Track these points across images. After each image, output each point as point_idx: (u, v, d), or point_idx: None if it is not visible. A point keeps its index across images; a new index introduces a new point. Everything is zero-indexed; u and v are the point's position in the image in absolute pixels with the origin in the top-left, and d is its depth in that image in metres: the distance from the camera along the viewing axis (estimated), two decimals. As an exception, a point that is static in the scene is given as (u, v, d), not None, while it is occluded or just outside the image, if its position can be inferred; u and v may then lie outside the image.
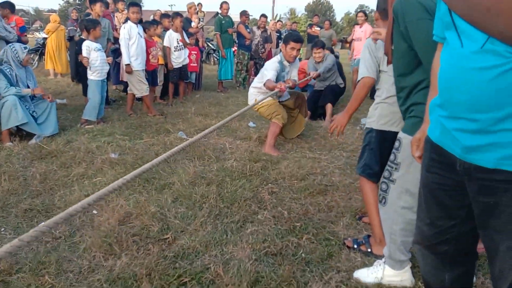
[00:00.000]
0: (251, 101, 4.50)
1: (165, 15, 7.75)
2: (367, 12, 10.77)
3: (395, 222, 1.99)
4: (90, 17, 5.80)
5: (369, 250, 2.41)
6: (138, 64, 5.67)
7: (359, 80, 2.45)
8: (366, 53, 2.38)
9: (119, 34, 6.15)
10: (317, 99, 6.11)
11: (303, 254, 2.35)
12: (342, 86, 6.35)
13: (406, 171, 1.92)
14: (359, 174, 2.50)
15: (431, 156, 1.41)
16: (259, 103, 4.26)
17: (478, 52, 1.12)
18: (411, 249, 2.04)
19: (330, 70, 6.09)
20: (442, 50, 1.35)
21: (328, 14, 51.08)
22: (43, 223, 0.88)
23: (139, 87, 5.73)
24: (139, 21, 5.89)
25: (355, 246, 2.45)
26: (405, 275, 2.09)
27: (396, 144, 1.97)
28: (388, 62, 2.06)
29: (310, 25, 11.24)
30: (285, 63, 4.41)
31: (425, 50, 1.71)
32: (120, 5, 7.84)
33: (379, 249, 2.35)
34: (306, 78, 6.15)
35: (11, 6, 6.60)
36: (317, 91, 6.25)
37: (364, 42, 2.68)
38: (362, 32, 8.30)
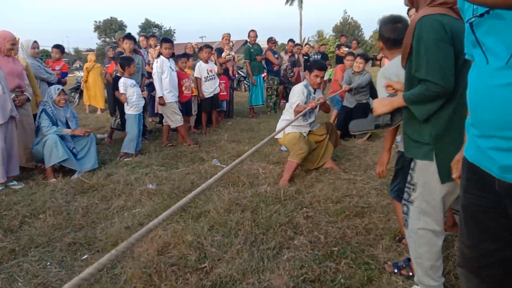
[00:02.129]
0: (279, 134, 4.37)
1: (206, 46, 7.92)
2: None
3: (418, 244, 1.97)
4: (124, 55, 6.08)
5: (410, 274, 2.33)
6: (171, 97, 5.88)
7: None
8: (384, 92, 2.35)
9: (152, 68, 6.44)
10: (349, 118, 6.06)
11: (342, 280, 2.30)
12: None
13: (422, 191, 1.92)
14: (393, 197, 2.47)
15: (467, 177, 1.38)
16: (288, 131, 4.26)
17: (503, 68, 1.11)
18: (444, 274, 1.98)
19: (363, 87, 6.09)
20: (470, 69, 1.33)
21: (357, 33, 50.99)
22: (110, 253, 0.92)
23: (173, 118, 5.92)
24: (171, 55, 6.14)
25: (396, 271, 2.38)
26: None
27: (412, 164, 1.95)
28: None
29: (338, 46, 11.27)
30: (310, 88, 4.42)
31: (427, 71, 1.72)
32: (152, 41, 8.20)
33: None
34: (339, 92, 6.16)
35: (63, 49, 7.24)
36: (347, 108, 6.24)
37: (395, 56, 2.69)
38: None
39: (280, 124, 4.51)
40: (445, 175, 1.81)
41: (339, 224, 3.04)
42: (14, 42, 4.84)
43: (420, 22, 1.73)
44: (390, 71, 2.38)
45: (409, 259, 2.41)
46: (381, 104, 2.07)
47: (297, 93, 4.33)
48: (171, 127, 6.13)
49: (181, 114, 6.03)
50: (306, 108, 3.95)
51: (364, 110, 6.10)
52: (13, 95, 4.70)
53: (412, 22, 1.79)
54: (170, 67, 5.94)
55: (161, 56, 5.95)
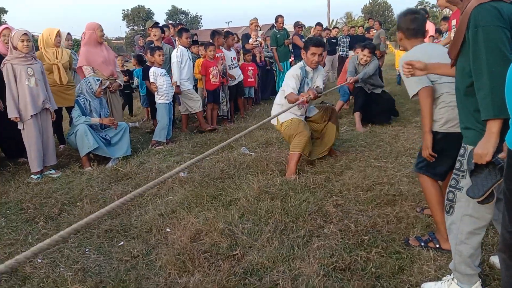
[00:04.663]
0: (274, 120, 4.11)
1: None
2: (428, 9, 10.35)
3: (461, 231, 1.93)
4: (153, 45, 6.17)
5: (437, 246, 2.43)
6: (188, 84, 6.10)
7: (413, 97, 2.43)
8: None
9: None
10: (369, 101, 5.97)
11: (372, 269, 2.30)
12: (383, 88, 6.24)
13: None
14: (420, 172, 2.50)
15: (508, 163, 1.40)
16: (283, 119, 4.05)
17: None
18: (481, 265, 1.95)
19: (372, 75, 5.89)
20: None
21: (387, 14, 49.51)
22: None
23: (192, 105, 6.12)
24: (195, 42, 6.25)
25: (422, 244, 2.46)
26: None
27: (461, 151, 1.91)
28: (451, 65, 1.99)
29: (368, 29, 11.03)
30: (308, 68, 4.12)
31: (488, 58, 1.63)
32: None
33: (448, 245, 2.30)
34: (343, 84, 6.01)
35: None
36: (364, 91, 6.05)
37: (427, 40, 2.67)
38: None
39: (274, 109, 4.30)
40: None
41: (370, 212, 3.02)
42: (102, 29, 5.11)
43: (476, 10, 1.68)
44: (413, 57, 2.32)
45: (434, 232, 2.49)
46: (483, 147, 1.63)
47: (290, 78, 4.01)
48: (190, 113, 6.30)
49: (200, 99, 6.17)
50: (297, 102, 3.64)
51: (381, 97, 6.01)
52: (107, 82, 4.90)
53: (467, 12, 1.73)
54: (189, 57, 6.11)
55: (180, 46, 6.05)
